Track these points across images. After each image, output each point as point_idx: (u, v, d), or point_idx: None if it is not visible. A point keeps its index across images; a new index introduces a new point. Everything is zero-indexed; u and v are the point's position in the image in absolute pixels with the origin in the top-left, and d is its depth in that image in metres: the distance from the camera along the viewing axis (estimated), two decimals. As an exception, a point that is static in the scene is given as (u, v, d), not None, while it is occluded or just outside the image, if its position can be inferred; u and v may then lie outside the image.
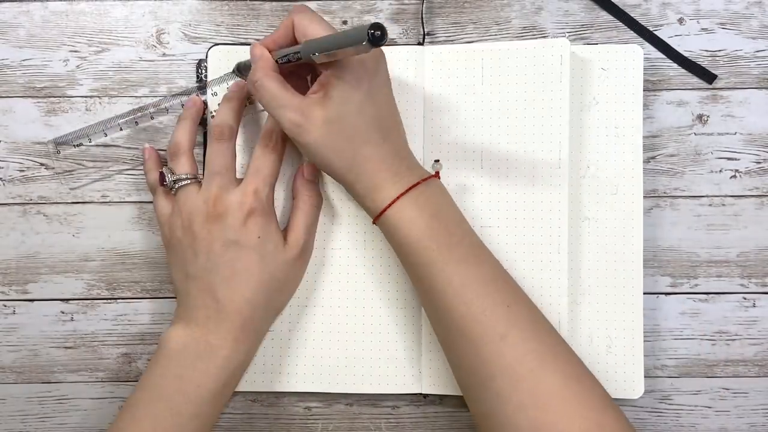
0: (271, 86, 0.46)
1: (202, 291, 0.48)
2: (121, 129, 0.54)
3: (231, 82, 0.53)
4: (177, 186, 0.50)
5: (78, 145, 0.54)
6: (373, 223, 0.49)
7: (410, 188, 0.47)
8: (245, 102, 0.52)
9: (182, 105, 0.53)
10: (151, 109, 0.54)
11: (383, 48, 0.52)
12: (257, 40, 0.55)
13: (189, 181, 0.50)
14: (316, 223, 0.53)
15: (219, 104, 0.52)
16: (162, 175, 0.50)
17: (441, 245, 0.46)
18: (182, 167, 0.50)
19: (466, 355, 0.46)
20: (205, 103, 0.54)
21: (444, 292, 0.46)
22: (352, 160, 0.47)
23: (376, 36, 0.40)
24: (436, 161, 0.53)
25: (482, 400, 0.45)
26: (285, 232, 0.51)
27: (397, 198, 0.47)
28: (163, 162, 0.53)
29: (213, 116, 0.52)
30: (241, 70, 0.53)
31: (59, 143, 0.54)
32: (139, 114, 0.54)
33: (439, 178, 0.50)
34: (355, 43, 0.41)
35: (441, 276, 0.46)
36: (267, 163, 0.50)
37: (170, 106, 0.54)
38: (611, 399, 0.45)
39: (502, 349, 0.44)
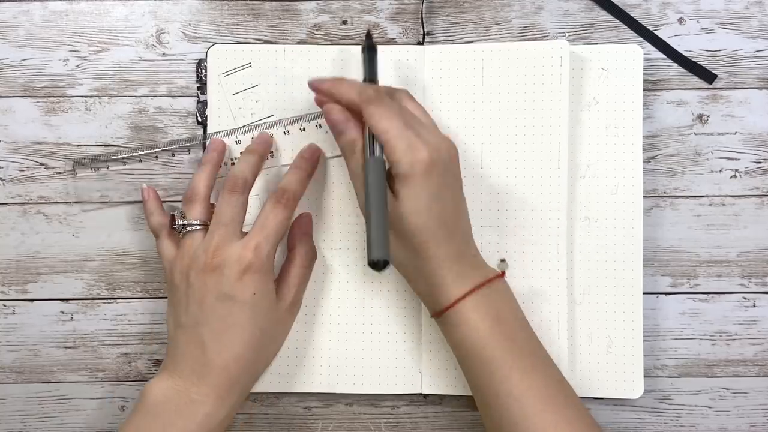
0: (360, 160, 0.46)
1: (190, 343, 0.47)
2: (156, 158, 0.54)
3: (256, 133, 0.53)
4: (185, 231, 0.49)
5: (96, 169, 0.54)
6: (432, 317, 0.48)
7: (473, 290, 0.46)
8: (267, 157, 0.52)
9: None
10: (185, 143, 0.54)
11: (384, 49, 0.52)
12: (257, 40, 0.55)
13: (198, 228, 0.49)
14: (308, 279, 0.52)
15: (240, 153, 0.52)
16: (173, 218, 0.50)
17: (504, 351, 0.45)
18: (194, 213, 0.49)
19: None
20: (204, 104, 0.54)
21: (503, 402, 0.45)
22: (414, 257, 0.46)
23: (377, 264, 0.42)
24: (502, 261, 0.52)
25: None
26: (277, 282, 0.51)
27: (459, 300, 0.46)
28: (163, 202, 0.53)
29: (233, 163, 0.52)
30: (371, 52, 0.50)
31: (79, 163, 0.54)
32: (176, 146, 0.54)
33: (504, 277, 0.49)
34: (367, 246, 0.43)
35: (500, 386, 0.45)
36: (274, 221, 0.48)
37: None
38: None
39: None
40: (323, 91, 0.48)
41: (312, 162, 0.52)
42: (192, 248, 0.48)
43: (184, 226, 0.49)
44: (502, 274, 0.49)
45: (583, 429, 0.46)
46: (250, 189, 0.50)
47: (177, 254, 0.49)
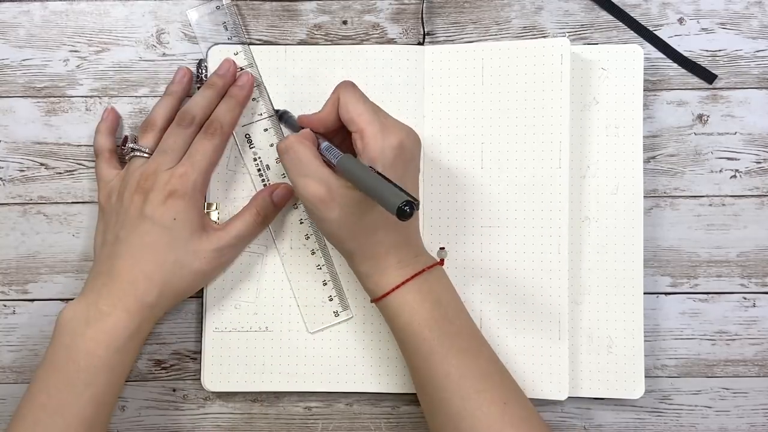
0: (302, 153, 0.46)
1: (107, 258, 0.49)
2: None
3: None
4: (132, 154, 0.51)
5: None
6: (372, 302, 0.49)
7: (414, 275, 0.47)
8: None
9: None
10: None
11: (384, 48, 0.52)
12: (258, 40, 0.55)
13: (145, 155, 0.50)
14: (251, 237, 0.52)
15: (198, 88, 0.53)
16: (125, 139, 0.51)
17: (441, 334, 0.46)
18: (146, 140, 0.51)
19: None
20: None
21: (441, 383, 0.46)
22: (363, 242, 0.47)
23: (405, 212, 0.41)
24: (441, 248, 0.53)
25: None
26: (223, 224, 0.51)
27: (400, 284, 0.47)
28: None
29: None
30: (283, 118, 0.54)
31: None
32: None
33: (443, 265, 0.49)
34: (384, 206, 0.42)
35: (439, 367, 0.46)
36: (201, 150, 0.50)
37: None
38: None
39: None
40: (313, 126, 0.50)
41: (246, 90, 0.52)
42: (132, 171, 0.50)
43: (132, 149, 0.51)
44: (441, 261, 0.50)
45: (518, 409, 0.46)
46: (200, 126, 0.51)
47: (116, 176, 0.51)
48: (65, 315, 0.47)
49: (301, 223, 0.54)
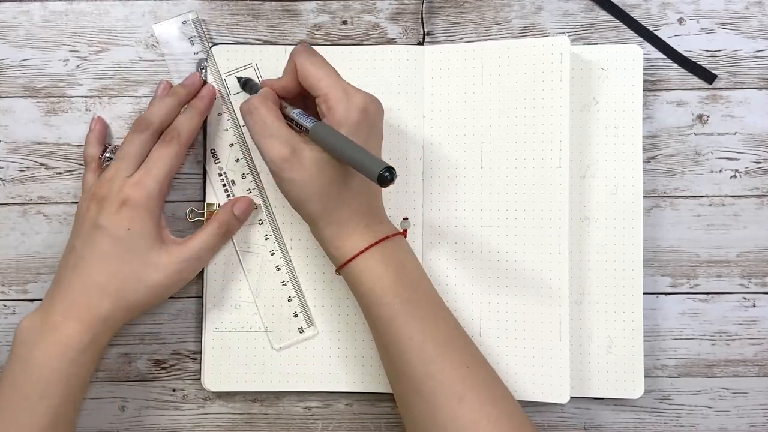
0: (266, 114, 0.46)
1: (64, 267, 0.49)
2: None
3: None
4: (106, 163, 0.51)
5: None
6: (336, 271, 0.49)
7: (378, 241, 0.47)
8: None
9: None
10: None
11: (384, 48, 0.52)
12: (257, 40, 0.55)
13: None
14: (214, 251, 0.52)
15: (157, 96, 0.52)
16: (105, 149, 0.52)
17: (404, 300, 0.46)
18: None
19: (423, 415, 0.46)
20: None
21: (404, 348, 0.46)
22: (328, 205, 0.47)
23: (386, 178, 0.41)
24: (405, 219, 0.53)
25: None
26: (182, 240, 0.51)
27: (365, 249, 0.47)
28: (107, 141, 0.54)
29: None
30: (247, 85, 0.53)
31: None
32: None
33: (405, 236, 0.50)
34: (363, 172, 0.42)
35: (402, 331, 0.46)
36: (159, 159, 0.49)
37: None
38: None
39: (459, 411, 0.44)
40: (278, 90, 0.49)
41: (205, 101, 0.52)
42: (96, 181, 0.50)
43: (108, 158, 0.51)
44: (404, 232, 0.50)
45: (480, 371, 0.46)
46: (159, 133, 0.50)
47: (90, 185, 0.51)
48: (22, 325, 0.47)
49: (267, 239, 0.54)
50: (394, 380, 0.48)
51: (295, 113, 0.48)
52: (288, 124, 0.47)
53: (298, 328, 0.53)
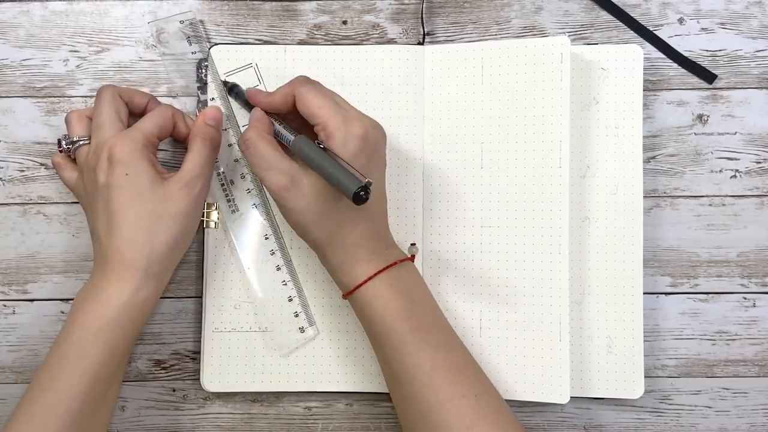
0: (263, 148, 0.46)
1: (94, 241, 0.49)
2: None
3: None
4: (74, 147, 0.50)
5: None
6: (344, 297, 0.49)
7: (387, 267, 0.47)
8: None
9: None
10: None
11: (384, 48, 0.52)
12: (257, 40, 0.55)
13: (86, 141, 0.49)
14: (210, 164, 0.50)
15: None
16: (59, 142, 0.51)
17: (413, 328, 0.46)
18: (76, 130, 0.50)
19: None
20: (204, 104, 0.54)
21: (413, 376, 0.46)
22: (333, 231, 0.47)
23: (361, 197, 0.42)
24: (413, 245, 0.52)
25: None
26: (179, 170, 0.50)
27: (373, 276, 0.47)
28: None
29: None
30: (233, 91, 0.53)
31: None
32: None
33: (413, 261, 0.50)
34: (340, 189, 0.43)
35: (411, 359, 0.46)
36: (147, 117, 0.49)
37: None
38: None
39: None
40: (261, 106, 0.49)
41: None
42: (81, 161, 0.50)
43: (72, 143, 0.50)
44: (412, 257, 0.50)
45: (490, 401, 0.46)
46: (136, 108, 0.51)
47: (79, 174, 0.50)
48: (74, 300, 0.48)
49: (266, 239, 0.53)
50: (403, 408, 0.48)
51: (275, 130, 0.48)
52: (276, 138, 0.48)
53: (299, 328, 0.53)
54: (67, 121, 0.50)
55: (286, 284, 0.53)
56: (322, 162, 0.44)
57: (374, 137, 0.47)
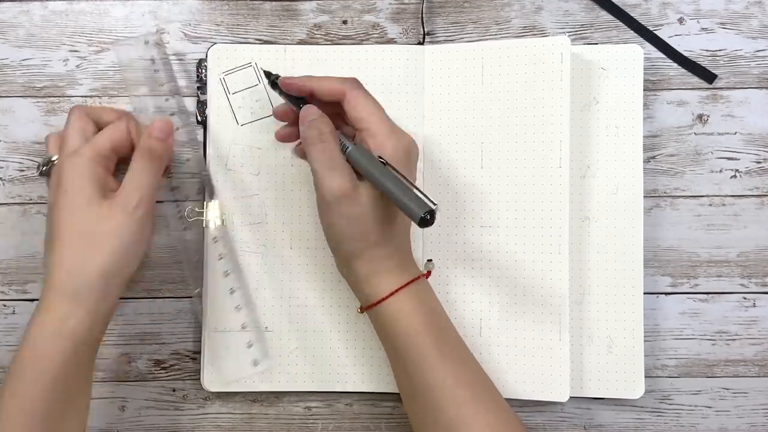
0: (334, 146, 0.45)
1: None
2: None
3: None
4: (48, 167, 0.50)
5: None
6: (362, 311, 0.49)
7: (410, 282, 0.47)
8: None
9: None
10: None
11: (384, 48, 0.52)
12: (257, 39, 0.55)
13: (54, 161, 0.50)
14: (151, 180, 0.48)
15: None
16: (39, 165, 0.51)
17: (436, 342, 0.46)
18: (52, 149, 0.50)
19: None
20: (204, 104, 0.54)
21: (437, 392, 0.46)
22: (370, 242, 0.46)
23: (426, 220, 0.42)
24: (429, 261, 0.53)
25: None
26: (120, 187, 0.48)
27: (398, 289, 0.47)
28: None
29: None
30: (275, 84, 0.50)
31: None
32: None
33: (429, 277, 0.49)
34: (404, 210, 0.43)
35: (433, 374, 0.46)
36: (103, 133, 0.48)
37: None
38: None
39: None
40: (298, 86, 0.48)
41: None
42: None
43: (45, 164, 0.50)
44: (429, 273, 0.49)
45: (508, 417, 0.47)
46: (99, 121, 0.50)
47: None
48: (27, 326, 0.46)
49: (221, 259, 0.53)
50: (422, 423, 0.47)
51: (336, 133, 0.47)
52: None
53: (252, 361, 0.53)
54: (45, 142, 0.51)
55: (239, 309, 0.53)
56: (385, 177, 0.44)
57: (416, 152, 0.48)
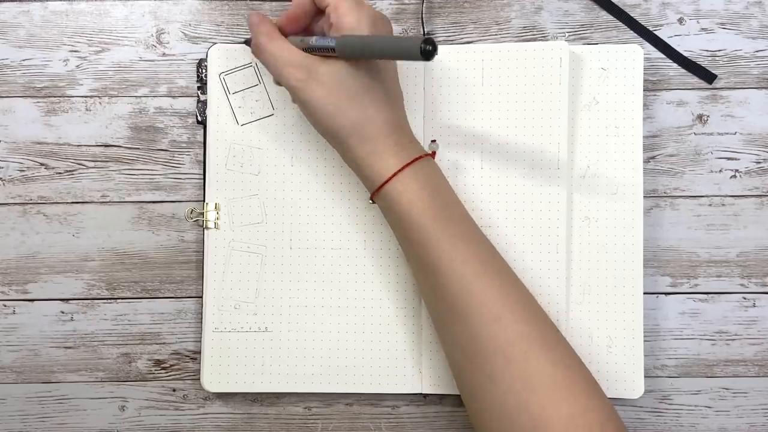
0: (274, 47, 0.47)
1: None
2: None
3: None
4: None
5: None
6: (371, 198, 0.48)
7: (414, 160, 0.47)
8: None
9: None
10: None
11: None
12: (257, 40, 0.55)
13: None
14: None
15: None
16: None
17: (441, 220, 0.46)
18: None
19: (460, 335, 0.45)
20: (204, 104, 0.54)
21: (442, 269, 0.46)
22: (356, 120, 0.46)
23: (428, 51, 0.40)
24: (433, 141, 0.52)
25: (473, 381, 0.45)
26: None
27: (402, 169, 0.46)
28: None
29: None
30: (248, 43, 0.52)
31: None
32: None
33: (434, 158, 0.49)
34: (405, 56, 0.41)
35: (438, 252, 0.46)
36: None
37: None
38: (599, 386, 0.45)
39: (496, 331, 0.44)
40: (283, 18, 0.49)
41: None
42: None
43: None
44: (433, 154, 0.49)
45: (517, 293, 0.46)
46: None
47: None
48: None
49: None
50: (431, 302, 0.47)
51: (314, 40, 0.47)
52: (306, 50, 0.47)
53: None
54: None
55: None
56: (373, 41, 0.43)
57: (385, 25, 0.47)
